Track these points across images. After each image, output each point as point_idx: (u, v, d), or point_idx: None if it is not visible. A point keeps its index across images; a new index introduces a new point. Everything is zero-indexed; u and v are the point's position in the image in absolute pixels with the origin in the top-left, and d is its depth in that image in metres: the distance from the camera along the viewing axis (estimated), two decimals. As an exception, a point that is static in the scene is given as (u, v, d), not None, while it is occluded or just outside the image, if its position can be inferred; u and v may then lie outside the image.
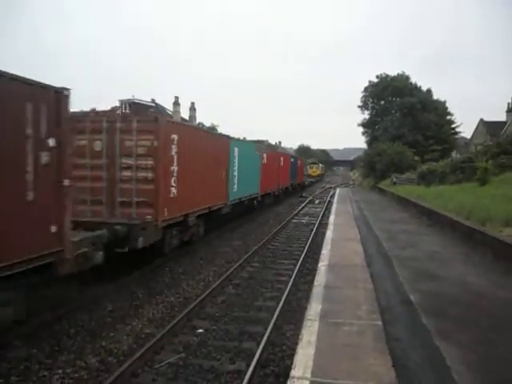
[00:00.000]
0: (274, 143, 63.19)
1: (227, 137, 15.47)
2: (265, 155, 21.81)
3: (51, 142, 5.88)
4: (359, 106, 48.95)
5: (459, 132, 45.99)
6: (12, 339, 6.03)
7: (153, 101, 36.75)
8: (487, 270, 7.83)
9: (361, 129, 49.95)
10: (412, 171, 31.11)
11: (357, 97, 62.37)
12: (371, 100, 48.38)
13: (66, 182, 6.17)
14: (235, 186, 15.76)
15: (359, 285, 6.74)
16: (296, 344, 5.56)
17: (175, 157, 10.02)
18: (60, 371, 5.36)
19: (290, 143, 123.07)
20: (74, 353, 5.88)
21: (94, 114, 10.42)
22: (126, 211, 9.18)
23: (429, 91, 45.49)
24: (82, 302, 7.57)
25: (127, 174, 9.24)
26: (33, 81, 5.60)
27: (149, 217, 9.01)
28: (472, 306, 5.85)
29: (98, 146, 9.30)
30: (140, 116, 11.19)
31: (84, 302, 7.57)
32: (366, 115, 49.08)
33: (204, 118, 74.57)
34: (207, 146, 12.51)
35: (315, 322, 5.09)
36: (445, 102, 45.36)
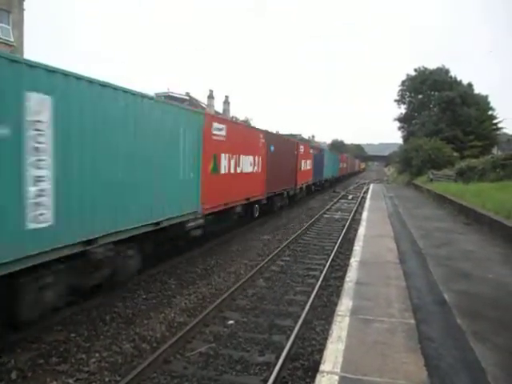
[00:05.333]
0: (307, 137, 62.68)
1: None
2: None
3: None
4: (396, 100, 47.84)
5: (502, 128, 44.20)
6: (52, 324, 6.33)
7: (187, 94, 37.13)
8: (528, 271, 7.51)
9: (397, 124, 48.88)
10: (450, 167, 30.10)
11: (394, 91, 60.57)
12: (408, 94, 47.10)
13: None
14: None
15: (391, 282, 6.64)
16: (326, 339, 5.58)
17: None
18: (97, 355, 5.59)
19: (324, 138, 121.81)
20: (109, 338, 6.12)
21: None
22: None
23: (470, 85, 43.81)
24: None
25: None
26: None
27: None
28: (510, 307, 5.65)
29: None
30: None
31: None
32: (403, 110, 47.94)
33: (238, 111, 74.87)
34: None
35: (346, 318, 5.06)
36: (487, 96, 43.66)
